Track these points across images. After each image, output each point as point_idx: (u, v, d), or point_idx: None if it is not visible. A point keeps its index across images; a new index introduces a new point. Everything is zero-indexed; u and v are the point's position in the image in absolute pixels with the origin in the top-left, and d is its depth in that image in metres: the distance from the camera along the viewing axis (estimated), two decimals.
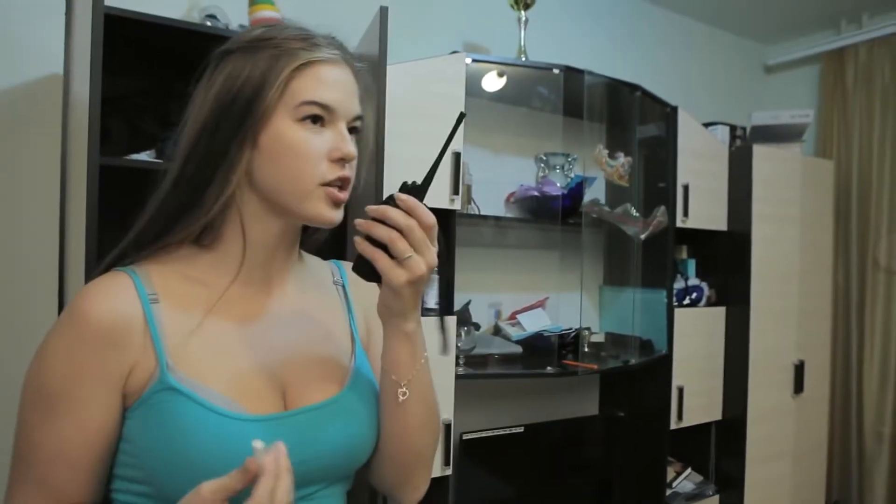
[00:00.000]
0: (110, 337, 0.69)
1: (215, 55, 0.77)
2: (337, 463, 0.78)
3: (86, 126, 1.23)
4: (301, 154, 0.73)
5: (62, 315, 0.71)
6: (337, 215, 0.77)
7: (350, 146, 0.76)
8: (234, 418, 0.70)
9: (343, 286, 0.93)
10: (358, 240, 0.71)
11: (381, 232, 0.69)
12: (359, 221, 0.71)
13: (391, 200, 0.70)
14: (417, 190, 0.72)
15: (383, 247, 0.70)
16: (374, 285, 0.93)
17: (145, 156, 1.45)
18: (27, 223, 1.65)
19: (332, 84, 0.75)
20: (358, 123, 0.79)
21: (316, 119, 0.74)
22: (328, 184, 0.75)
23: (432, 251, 0.71)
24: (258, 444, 0.60)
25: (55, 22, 1.62)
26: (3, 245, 1.63)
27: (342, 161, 0.75)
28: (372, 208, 0.70)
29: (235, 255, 0.78)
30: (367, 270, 0.73)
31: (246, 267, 0.79)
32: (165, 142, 1.44)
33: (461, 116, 0.74)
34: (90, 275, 1.12)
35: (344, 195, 0.77)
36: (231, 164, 0.74)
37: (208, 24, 1.63)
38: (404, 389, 0.78)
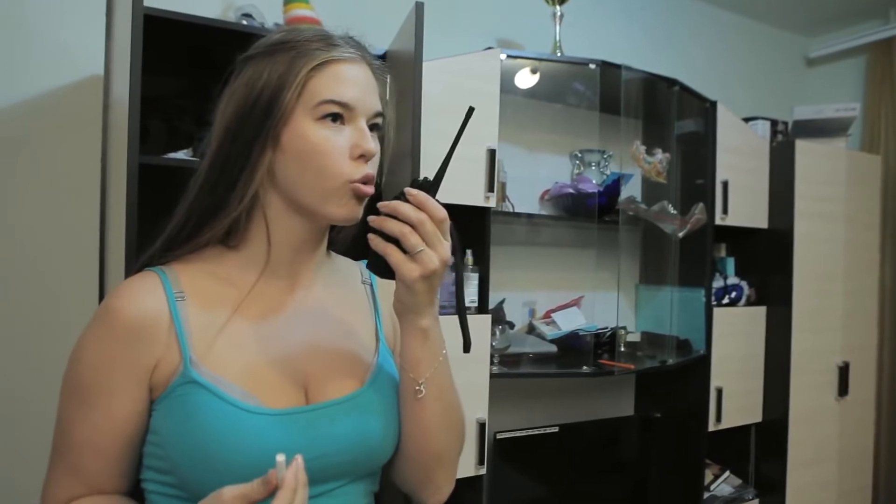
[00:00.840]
0: (137, 332, 0.72)
1: (238, 61, 0.79)
2: (355, 459, 0.78)
3: (126, 126, 1.24)
4: (323, 153, 0.74)
5: (95, 313, 0.75)
6: (358, 211, 0.78)
7: (371, 143, 0.76)
8: (251, 411, 0.71)
9: (371, 286, 0.94)
10: (371, 236, 0.72)
11: (393, 226, 0.70)
12: (371, 218, 0.71)
13: (402, 196, 0.70)
14: (429, 185, 0.72)
15: (396, 242, 0.70)
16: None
17: (183, 154, 1.46)
18: (69, 221, 1.68)
19: (350, 82, 0.76)
20: (378, 120, 0.80)
21: (336, 117, 0.75)
22: (354, 180, 0.76)
23: (445, 245, 0.71)
24: (280, 457, 0.63)
25: (96, 24, 1.65)
26: (46, 242, 1.66)
27: (363, 158, 0.76)
28: (383, 204, 0.71)
29: (261, 254, 0.80)
30: (380, 266, 0.72)
31: (271, 266, 0.81)
32: (202, 140, 1.45)
33: (470, 111, 0.75)
34: (130, 271, 1.14)
35: (369, 189, 0.77)
36: (253, 165, 0.75)
37: (244, 22, 1.64)
38: (421, 387, 0.78)
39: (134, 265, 0.82)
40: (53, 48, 1.66)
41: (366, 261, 0.96)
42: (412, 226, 0.69)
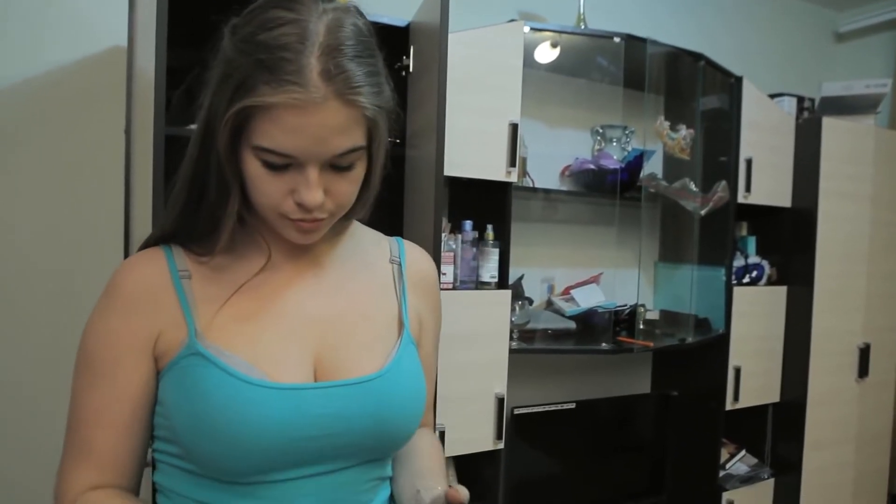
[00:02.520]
0: (136, 302, 0.73)
1: (223, 34, 0.70)
2: (364, 443, 0.75)
3: (150, 97, 1.24)
4: (259, 188, 0.70)
5: (103, 289, 0.76)
6: (307, 239, 0.75)
7: (311, 194, 0.68)
8: (254, 384, 0.70)
9: (400, 265, 0.89)
10: None
11: None
12: None
13: None
14: None
15: None
16: (431, 267, 0.93)
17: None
18: (93, 189, 1.69)
19: (295, 131, 0.65)
20: (349, 157, 0.69)
21: (273, 165, 0.67)
22: (292, 219, 0.71)
23: None
24: None
25: None
26: (71, 211, 1.68)
27: (304, 206, 0.69)
28: None
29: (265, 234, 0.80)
30: None
31: (276, 246, 0.79)
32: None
33: None
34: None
35: (312, 225, 0.72)
36: (227, 187, 0.72)
37: None
38: None
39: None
40: (74, 20, 1.66)
41: (399, 237, 0.93)
42: None
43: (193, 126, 1.42)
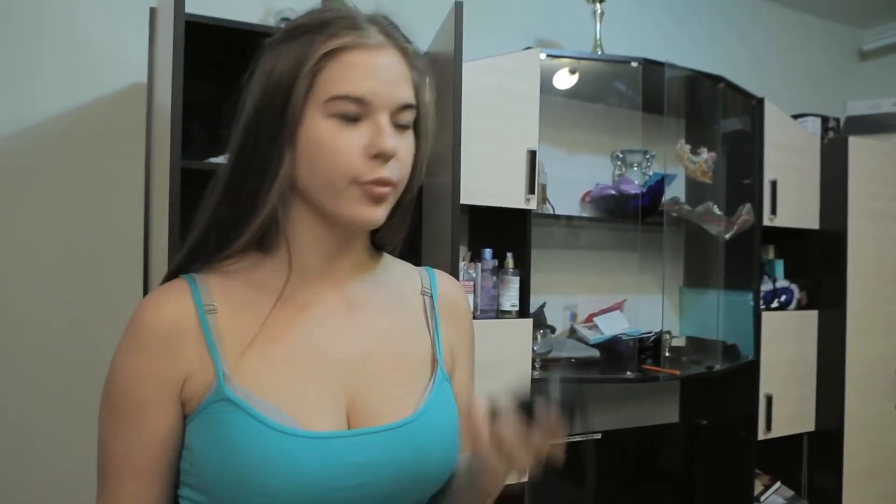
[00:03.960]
0: (162, 344, 0.69)
1: (264, 46, 0.73)
2: (399, 490, 0.72)
3: (168, 131, 1.25)
4: (331, 152, 0.67)
5: (126, 324, 0.72)
6: (376, 214, 0.71)
7: (389, 141, 0.68)
8: (286, 433, 0.66)
9: (432, 297, 0.86)
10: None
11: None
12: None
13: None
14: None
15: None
16: (461, 295, 0.90)
17: (224, 159, 1.47)
18: (114, 224, 1.72)
19: (367, 72, 0.68)
20: (408, 115, 0.71)
21: (349, 115, 0.68)
22: (365, 182, 0.69)
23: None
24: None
25: (138, 34, 1.69)
26: (93, 246, 1.70)
27: (380, 157, 0.68)
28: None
29: (291, 261, 0.76)
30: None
31: (301, 274, 0.75)
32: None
33: None
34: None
35: (383, 190, 0.70)
36: (275, 169, 0.69)
37: (282, 27, 1.64)
38: None
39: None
40: (96, 58, 1.70)
41: (428, 267, 0.90)
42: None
43: (213, 159, 1.44)
